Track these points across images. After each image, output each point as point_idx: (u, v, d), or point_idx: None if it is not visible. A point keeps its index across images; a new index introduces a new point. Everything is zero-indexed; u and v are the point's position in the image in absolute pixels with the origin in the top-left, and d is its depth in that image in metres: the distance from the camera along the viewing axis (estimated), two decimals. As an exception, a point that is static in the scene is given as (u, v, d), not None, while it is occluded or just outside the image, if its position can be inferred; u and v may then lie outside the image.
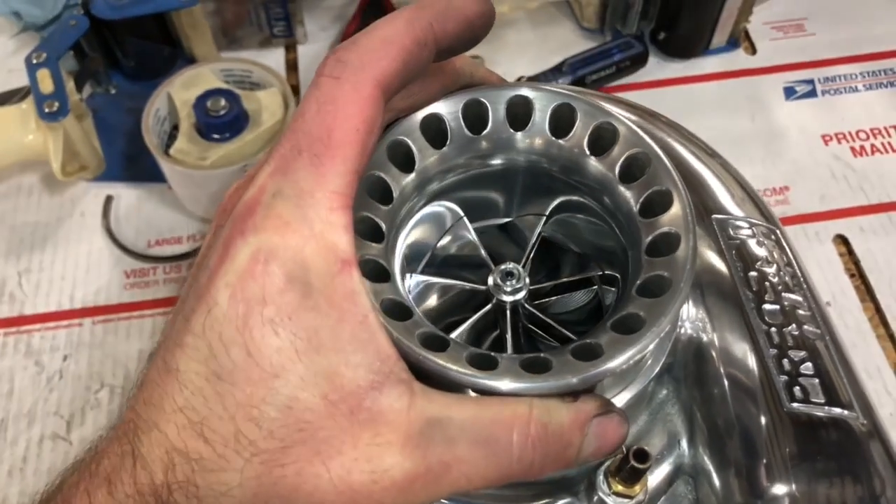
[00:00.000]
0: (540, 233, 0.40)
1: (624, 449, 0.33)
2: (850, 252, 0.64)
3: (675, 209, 0.33)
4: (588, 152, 0.36)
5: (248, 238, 0.29)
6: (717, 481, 0.34)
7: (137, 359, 0.61)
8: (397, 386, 0.29)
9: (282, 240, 0.28)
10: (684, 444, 0.37)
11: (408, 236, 0.40)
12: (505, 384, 0.29)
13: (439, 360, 0.29)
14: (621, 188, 0.35)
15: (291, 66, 0.78)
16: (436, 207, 0.40)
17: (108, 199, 0.68)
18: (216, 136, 0.62)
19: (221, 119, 0.61)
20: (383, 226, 0.34)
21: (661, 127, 0.43)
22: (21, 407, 0.60)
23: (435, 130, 0.36)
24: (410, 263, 0.41)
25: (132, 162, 0.69)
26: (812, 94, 0.74)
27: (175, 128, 0.66)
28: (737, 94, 0.74)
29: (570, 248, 0.41)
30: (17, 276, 0.65)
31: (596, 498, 0.34)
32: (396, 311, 0.31)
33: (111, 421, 0.60)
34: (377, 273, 0.32)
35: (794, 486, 0.31)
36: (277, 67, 0.76)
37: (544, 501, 0.36)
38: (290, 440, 0.27)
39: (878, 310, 0.61)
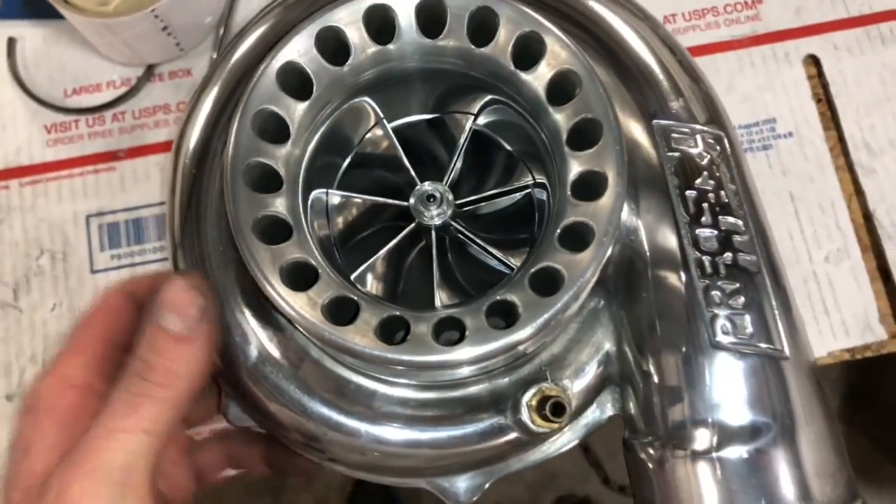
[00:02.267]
0: (467, 137, 0.36)
1: (549, 381, 0.33)
2: (820, 75, 0.60)
3: (606, 143, 0.29)
4: (512, 65, 0.31)
5: None
6: (641, 398, 0.34)
7: (73, 222, 0.59)
8: None
9: None
10: (613, 354, 0.36)
11: (324, 135, 0.36)
12: (416, 358, 0.28)
13: (343, 339, 0.28)
14: (550, 110, 0.31)
15: None
16: (352, 103, 0.36)
17: (11, 42, 0.61)
18: (115, -28, 0.54)
19: (118, -47, 0.53)
20: (282, 170, 0.31)
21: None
22: (-37, 276, 0.59)
23: (333, 45, 0.31)
24: (329, 154, 0.37)
25: (31, -4, 0.61)
26: None
27: (69, -44, 0.58)
28: None
29: (501, 144, 0.38)
30: (-75, 135, 0.60)
31: (518, 417, 0.35)
32: (299, 275, 0.29)
33: (57, 288, 0.60)
34: (275, 232, 0.30)
35: (711, 421, 0.32)
36: None
37: (477, 416, 0.36)
38: None
39: (841, 139, 0.59)
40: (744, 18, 0.61)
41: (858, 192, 0.58)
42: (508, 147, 0.38)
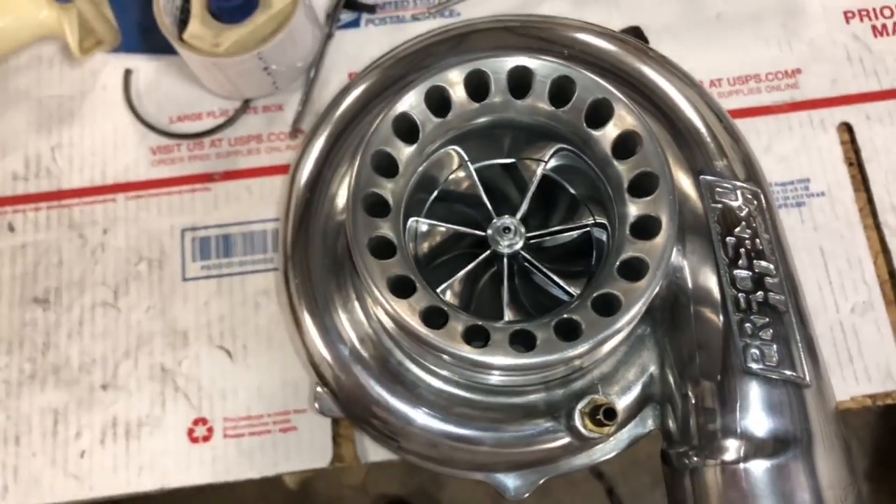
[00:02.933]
0: (538, 180, 0.43)
1: (600, 394, 0.39)
2: (853, 141, 0.65)
3: (661, 193, 0.35)
4: (585, 124, 0.37)
5: None
6: (679, 415, 0.40)
7: (170, 234, 0.66)
8: None
9: None
10: (655, 375, 0.42)
11: (420, 174, 0.43)
12: (496, 360, 0.34)
13: (437, 340, 0.34)
14: (615, 163, 0.37)
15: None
16: (443, 150, 0.43)
17: (128, 73, 0.69)
18: (228, 18, 0.62)
19: (232, 3, 0.61)
20: (390, 200, 0.37)
21: (647, 62, 0.43)
22: (71, 277, 0.66)
23: (438, 100, 0.38)
24: (420, 190, 0.43)
25: (148, 33, 0.69)
26: (842, -42, 0.70)
27: (186, 0, 0.66)
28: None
29: (566, 187, 0.44)
30: (50, 151, 0.68)
31: (571, 423, 0.40)
32: (400, 286, 0.35)
33: (152, 292, 0.66)
34: (383, 250, 0.36)
35: (739, 434, 0.37)
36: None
37: (534, 421, 0.42)
38: None
39: (870, 200, 0.64)
40: (784, 86, 0.67)
41: (885, 250, 0.62)
42: (572, 190, 0.44)
